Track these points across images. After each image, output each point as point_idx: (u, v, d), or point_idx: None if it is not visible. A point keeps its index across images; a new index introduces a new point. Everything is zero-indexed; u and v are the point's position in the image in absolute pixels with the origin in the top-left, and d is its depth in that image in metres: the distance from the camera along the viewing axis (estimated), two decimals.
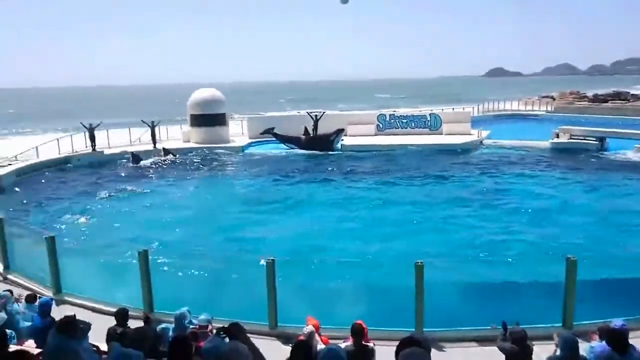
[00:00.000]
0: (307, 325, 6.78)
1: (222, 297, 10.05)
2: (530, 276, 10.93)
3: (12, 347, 5.24)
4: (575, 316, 8.39)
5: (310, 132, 31.69)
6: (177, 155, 29.34)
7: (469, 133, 33.12)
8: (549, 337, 6.69)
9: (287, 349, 6.03)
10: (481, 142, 31.60)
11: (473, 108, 46.03)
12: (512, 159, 27.22)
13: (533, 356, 6.01)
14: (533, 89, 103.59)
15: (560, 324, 8.44)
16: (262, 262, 8.93)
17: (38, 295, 9.52)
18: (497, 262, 11.96)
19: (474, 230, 15.49)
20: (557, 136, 30.49)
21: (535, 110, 49.64)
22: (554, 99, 52.99)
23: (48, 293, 10.63)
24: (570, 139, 29.85)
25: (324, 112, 32.50)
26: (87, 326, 5.84)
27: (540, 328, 8.09)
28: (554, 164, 25.93)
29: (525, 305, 9.60)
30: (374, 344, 6.44)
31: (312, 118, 32.07)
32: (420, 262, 8.43)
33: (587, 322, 7.98)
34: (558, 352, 5.13)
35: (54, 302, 8.33)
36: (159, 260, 10.63)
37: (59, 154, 27.72)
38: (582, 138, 29.74)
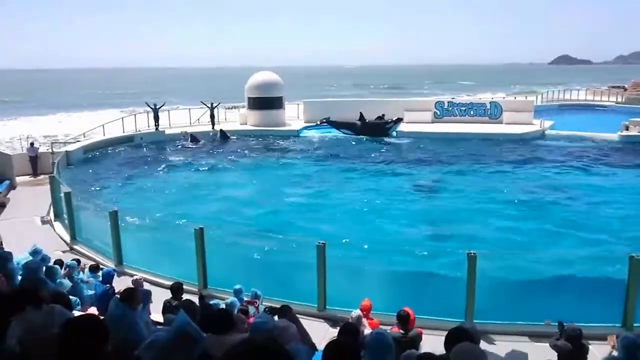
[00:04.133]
0: (358, 309, 6.84)
1: (272, 277, 10.27)
2: (590, 273, 10.53)
3: (77, 313, 5.56)
4: (637, 317, 8.05)
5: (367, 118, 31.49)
6: (231, 138, 29.96)
7: (531, 123, 31.90)
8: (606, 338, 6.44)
9: (335, 332, 6.11)
10: (544, 132, 30.38)
11: (536, 97, 44.29)
12: (576, 151, 26.01)
13: (588, 356, 5.82)
14: (603, 78, 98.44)
15: (620, 325, 8.12)
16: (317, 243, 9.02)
17: (101, 265, 10.07)
18: (556, 257, 11.54)
19: (531, 224, 14.98)
20: (627, 129, 28.86)
21: (603, 101, 47.18)
22: (625, 90, 50.05)
23: (110, 264, 11.22)
24: None
25: (384, 115, 32.03)
26: (147, 295, 6.07)
27: (598, 327, 7.81)
28: (622, 158, 24.57)
29: (583, 303, 9.28)
30: (421, 332, 6.41)
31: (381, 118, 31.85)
32: (473, 253, 8.29)
33: None
34: (615, 354, 4.93)
35: (115, 273, 8.76)
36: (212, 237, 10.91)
37: (124, 132, 28.90)
38: None
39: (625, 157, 24.67)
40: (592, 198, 17.77)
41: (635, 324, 8.00)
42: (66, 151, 22.60)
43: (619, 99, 46.56)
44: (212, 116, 31.52)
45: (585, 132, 29.50)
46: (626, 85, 52.05)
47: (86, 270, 8.92)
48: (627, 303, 8.07)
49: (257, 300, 7.33)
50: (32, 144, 21.66)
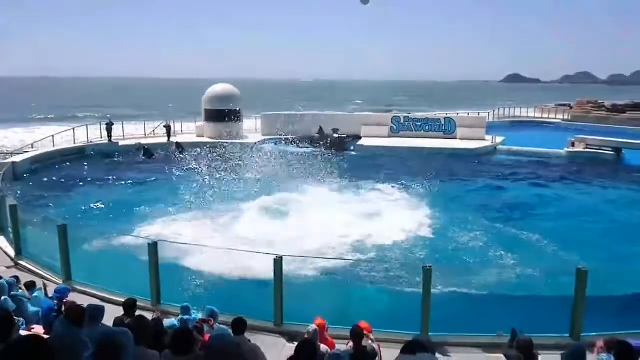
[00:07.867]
0: (313, 324, 6.78)
1: (228, 293, 10.10)
2: (540, 286, 10.85)
3: (22, 333, 5.28)
4: (584, 327, 8.32)
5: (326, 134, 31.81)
6: (187, 150, 29.51)
7: (483, 138, 32.90)
8: (555, 347, 6.65)
9: (292, 347, 6.04)
10: (495, 148, 31.39)
11: (488, 113, 45.74)
12: (526, 167, 26.97)
13: None
14: (551, 97, 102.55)
15: (568, 335, 8.38)
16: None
17: (50, 282, 9.63)
18: (506, 270, 11.86)
19: (482, 238, 15.27)
20: (573, 145, 30.16)
21: (551, 118, 49.17)
22: (571, 107, 52.40)
23: (58, 280, 10.76)
24: (586, 148, 29.54)
25: (338, 130, 32.86)
26: (98, 312, 5.75)
27: (547, 337, 8.04)
28: (568, 173, 25.63)
29: (534, 314, 9.54)
30: (379, 346, 6.43)
31: (333, 132, 32.38)
32: (429, 266, 8.41)
33: (595, 333, 7.88)
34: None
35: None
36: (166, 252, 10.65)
37: (74, 143, 28.01)
38: (598, 148, 29.43)
39: (571, 172, 25.75)
40: (540, 211, 18.39)
41: (582, 334, 8.27)
42: (13, 162, 21.71)
43: (566, 116, 48.59)
44: (168, 129, 31.04)
45: (534, 148, 30.65)
46: (572, 104, 54.46)
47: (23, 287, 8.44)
48: (575, 314, 8.35)
49: (212, 319, 7.16)
50: None
